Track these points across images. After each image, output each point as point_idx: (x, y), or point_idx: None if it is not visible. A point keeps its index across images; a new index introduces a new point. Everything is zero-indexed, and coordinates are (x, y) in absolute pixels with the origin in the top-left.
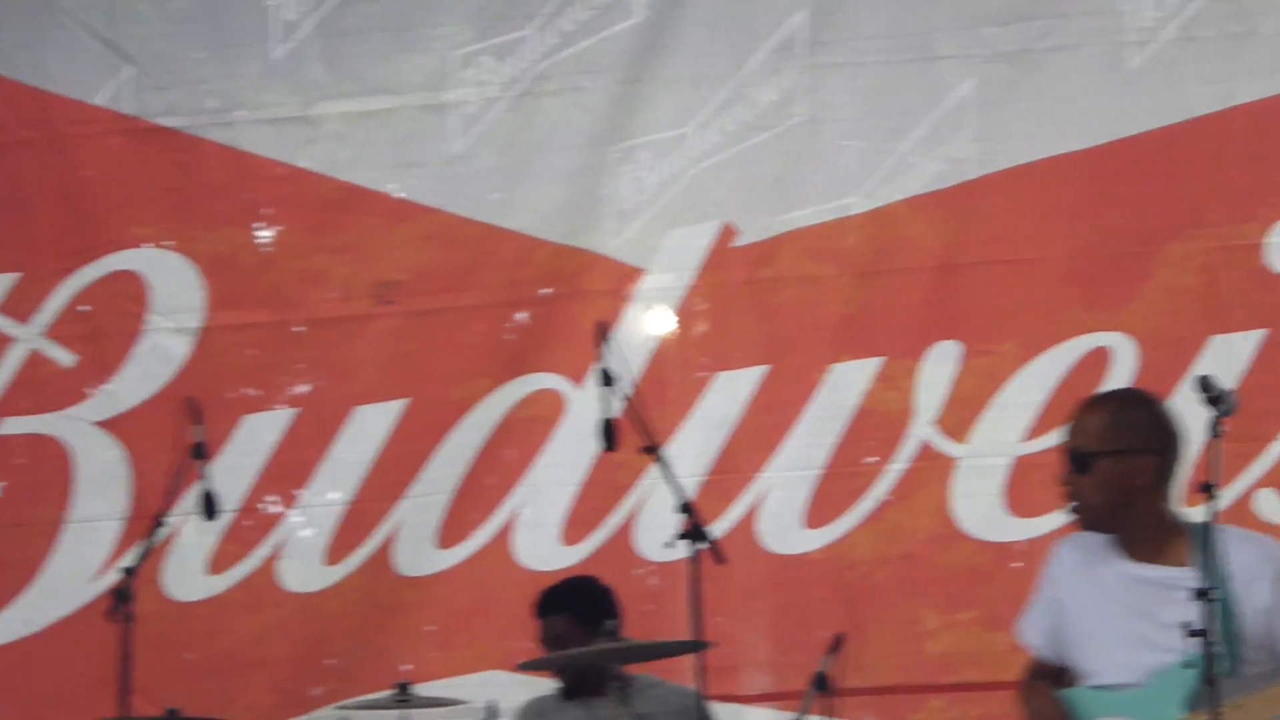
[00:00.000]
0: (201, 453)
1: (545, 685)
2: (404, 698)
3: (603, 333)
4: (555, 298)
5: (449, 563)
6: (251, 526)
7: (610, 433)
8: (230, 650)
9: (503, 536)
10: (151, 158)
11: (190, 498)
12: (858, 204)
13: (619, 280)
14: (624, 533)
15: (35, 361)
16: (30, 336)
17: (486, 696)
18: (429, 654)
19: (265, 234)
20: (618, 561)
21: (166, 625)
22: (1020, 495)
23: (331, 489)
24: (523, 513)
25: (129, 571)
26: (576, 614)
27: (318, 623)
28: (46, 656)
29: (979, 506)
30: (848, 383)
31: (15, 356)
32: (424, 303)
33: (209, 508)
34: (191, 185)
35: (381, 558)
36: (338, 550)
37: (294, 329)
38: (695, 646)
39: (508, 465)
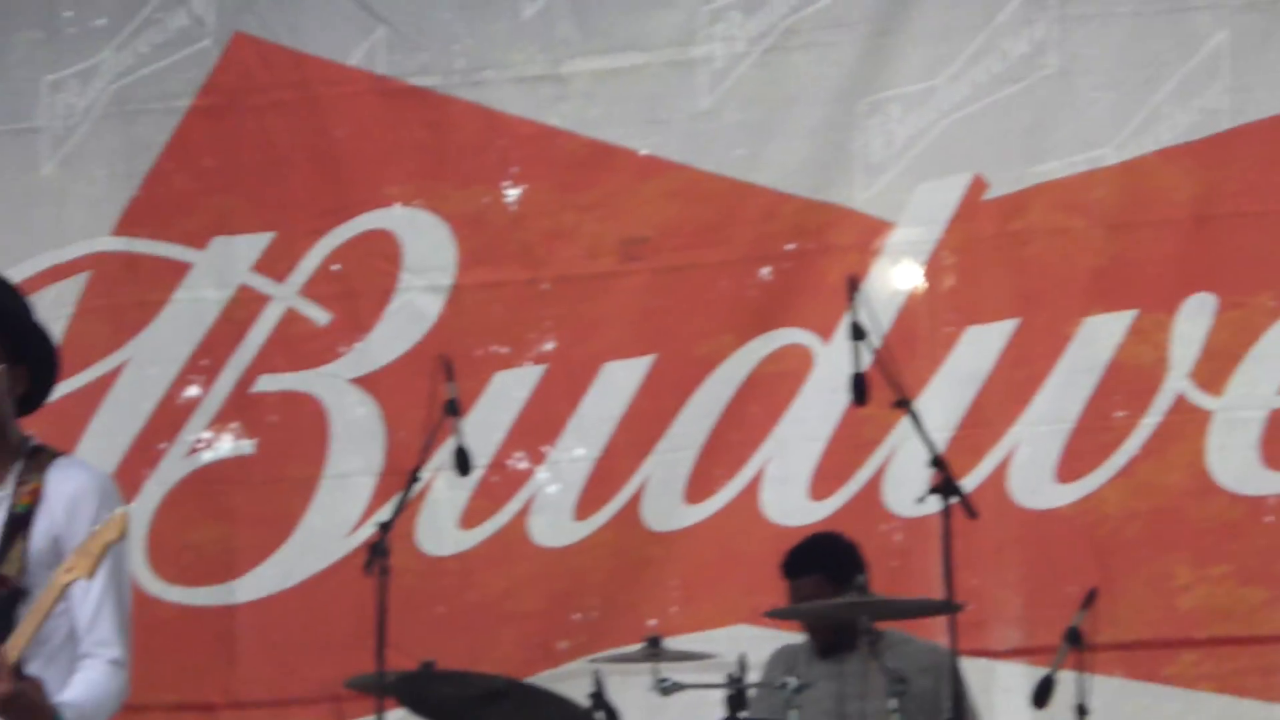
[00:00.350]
0: (455, 409)
1: (794, 637)
2: (655, 651)
3: (853, 286)
4: (802, 253)
5: (696, 518)
6: (501, 482)
7: (860, 387)
8: (481, 604)
9: (750, 491)
10: (403, 117)
11: (443, 453)
12: (1109, 155)
13: (867, 234)
14: (872, 487)
15: (290, 320)
16: (286, 295)
17: (733, 651)
18: (675, 609)
19: (514, 192)
20: (865, 517)
21: (419, 579)
22: (1276, 448)
23: (580, 445)
24: (770, 468)
25: (385, 526)
26: (827, 573)
27: (566, 577)
28: (303, 610)
29: (1234, 460)
30: (1100, 336)
31: (272, 315)
32: (671, 259)
33: (463, 463)
34: (442, 144)
35: (630, 513)
36: (586, 505)
37: (543, 286)
38: (948, 608)
39: (755, 421)
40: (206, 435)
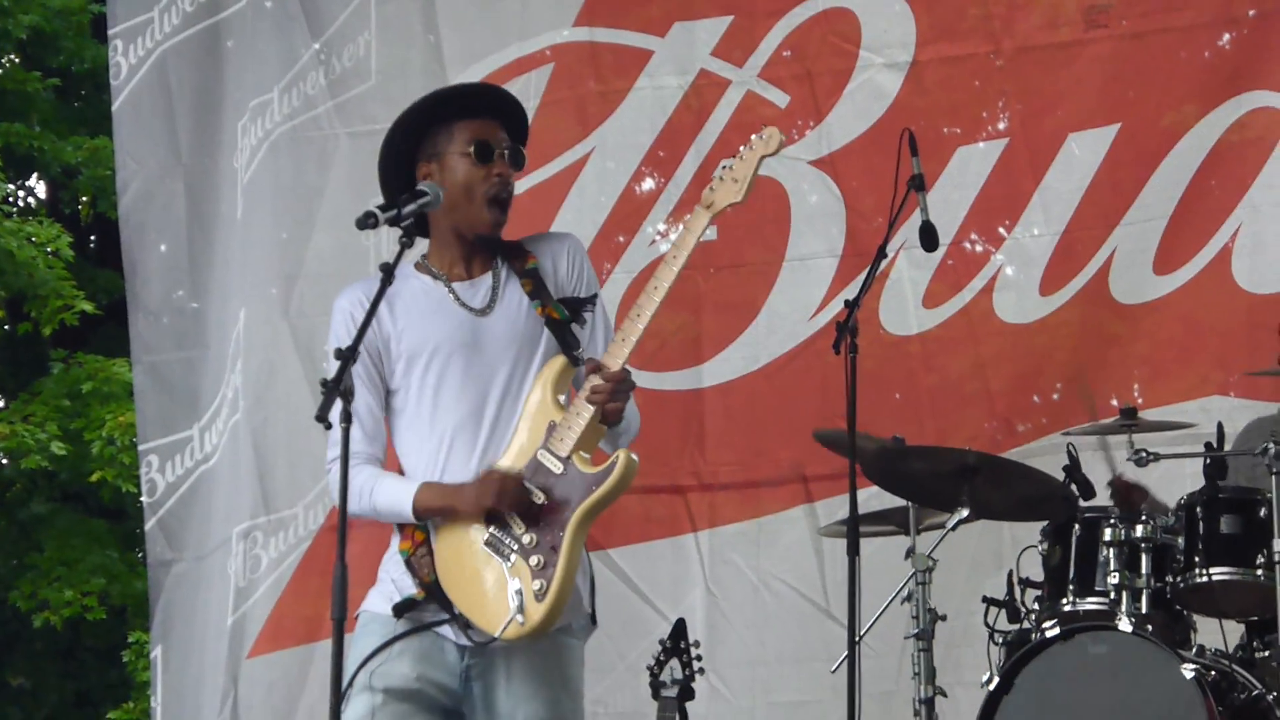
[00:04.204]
0: (920, 184)
1: (1267, 407)
2: (1131, 423)
3: None
4: (1264, 14)
5: (1166, 289)
6: (962, 261)
7: None
8: (943, 384)
9: (1222, 260)
10: None
11: (906, 231)
12: None
13: None
14: None
15: (749, 104)
16: (745, 79)
17: (1208, 423)
18: (1144, 382)
19: None
20: None
21: (882, 361)
22: None
23: (1043, 219)
24: (1242, 236)
25: (853, 303)
26: None
27: (1030, 355)
28: (769, 392)
29: None
30: None
31: (731, 99)
32: (1135, 25)
33: (929, 239)
34: None
35: (1097, 287)
36: (1051, 281)
37: (1001, 60)
38: None
39: (1223, 188)
40: (664, 226)
